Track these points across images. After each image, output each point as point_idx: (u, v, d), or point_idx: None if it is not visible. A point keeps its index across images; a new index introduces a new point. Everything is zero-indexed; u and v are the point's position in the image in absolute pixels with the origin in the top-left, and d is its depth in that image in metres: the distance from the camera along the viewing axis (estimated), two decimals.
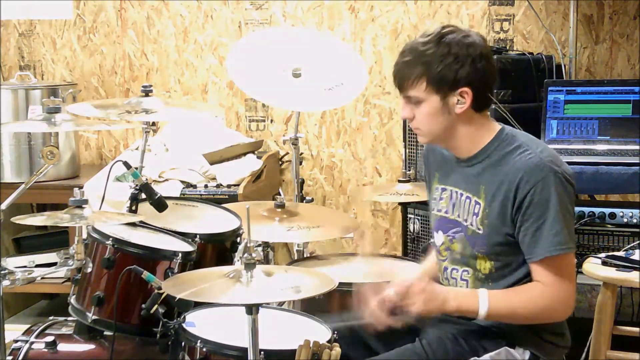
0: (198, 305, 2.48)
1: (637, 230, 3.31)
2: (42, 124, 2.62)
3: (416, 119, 2.33)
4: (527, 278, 2.28)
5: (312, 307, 2.64)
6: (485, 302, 2.23)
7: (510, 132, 2.34)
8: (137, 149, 4.17)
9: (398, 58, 2.33)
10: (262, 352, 2.17)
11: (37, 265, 4.34)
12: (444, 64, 2.24)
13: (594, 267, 2.87)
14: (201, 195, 3.88)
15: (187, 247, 2.76)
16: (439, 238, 2.43)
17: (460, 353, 2.30)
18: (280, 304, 2.74)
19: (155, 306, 2.48)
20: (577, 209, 3.36)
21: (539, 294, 2.22)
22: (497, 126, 2.36)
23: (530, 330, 2.32)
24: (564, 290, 2.23)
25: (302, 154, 4.42)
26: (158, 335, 2.55)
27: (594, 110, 3.60)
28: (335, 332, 2.36)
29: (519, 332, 2.32)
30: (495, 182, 2.27)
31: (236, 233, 2.95)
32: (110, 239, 2.64)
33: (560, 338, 2.37)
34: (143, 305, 2.52)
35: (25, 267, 4.24)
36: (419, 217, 3.77)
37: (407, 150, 3.91)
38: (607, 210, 3.37)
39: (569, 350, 2.44)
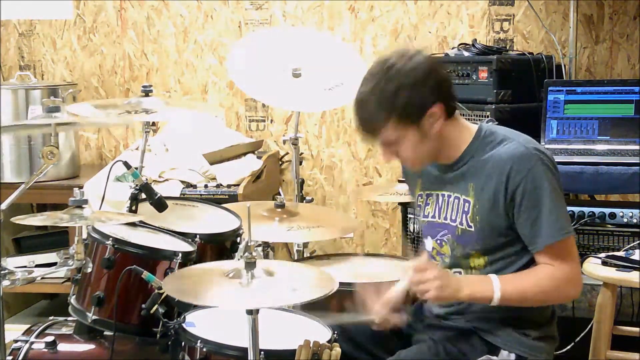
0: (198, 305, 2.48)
1: (637, 230, 3.30)
2: None
3: (401, 155, 2.30)
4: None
5: (312, 306, 2.64)
6: (498, 286, 2.22)
7: (489, 129, 2.34)
8: (137, 149, 4.17)
9: (356, 111, 2.28)
10: (262, 352, 2.17)
11: (37, 265, 4.34)
12: (404, 98, 2.19)
13: (594, 267, 2.86)
14: (201, 195, 3.88)
15: (187, 247, 2.76)
16: (428, 244, 2.43)
17: None
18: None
19: (155, 306, 2.48)
20: (577, 209, 3.36)
21: (548, 275, 2.23)
22: (474, 126, 2.35)
23: (515, 331, 2.32)
24: (571, 270, 2.25)
25: (302, 154, 4.41)
26: (158, 335, 2.55)
27: (594, 110, 3.60)
28: (335, 332, 2.36)
29: (503, 335, 2.32)
30: (482, 176, 2.27)
31: (236, 233, 2.95)
32: (110, 239, 2.64)
33: (546, 329, 2.36)
34: (143, 305, 2.52)
35: (25, 267, 4.24)
36: None
37: None
38: (607, 210, 3.36)
39: (565, 350, 2.44)
